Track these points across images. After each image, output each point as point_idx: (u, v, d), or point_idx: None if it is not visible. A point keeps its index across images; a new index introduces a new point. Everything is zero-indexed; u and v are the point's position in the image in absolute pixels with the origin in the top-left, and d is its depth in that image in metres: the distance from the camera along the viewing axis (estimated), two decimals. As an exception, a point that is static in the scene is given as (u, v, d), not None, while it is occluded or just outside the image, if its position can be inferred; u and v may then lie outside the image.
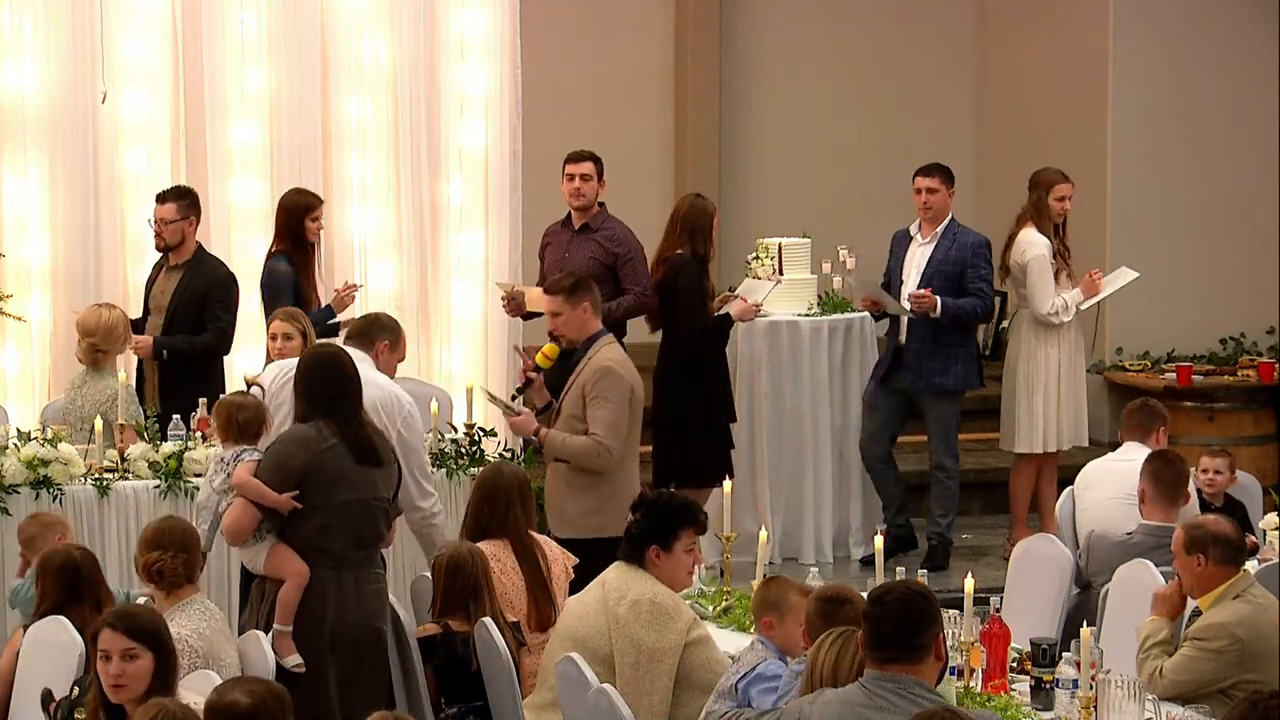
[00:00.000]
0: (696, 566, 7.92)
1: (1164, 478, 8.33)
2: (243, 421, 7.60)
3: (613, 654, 6.67)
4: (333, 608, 7.23)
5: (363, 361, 8.09)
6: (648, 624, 6.65)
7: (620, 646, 6.65)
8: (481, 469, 8.00)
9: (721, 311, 10.44)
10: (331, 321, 10.03)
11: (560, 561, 7.71)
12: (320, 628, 7.18)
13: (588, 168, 10.44)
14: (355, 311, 10.73)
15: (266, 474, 7.25)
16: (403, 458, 7.83)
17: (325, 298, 10.25)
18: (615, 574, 6.87)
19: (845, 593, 6.26)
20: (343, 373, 7.43)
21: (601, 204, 10.54)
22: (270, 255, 10.18)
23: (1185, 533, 7.02)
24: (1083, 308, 11.01)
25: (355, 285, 10.35)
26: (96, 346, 9.25)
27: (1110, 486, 8.88)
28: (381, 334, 8.38)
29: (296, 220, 10.12)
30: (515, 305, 10.49)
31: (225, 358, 10.11)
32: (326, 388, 7.35)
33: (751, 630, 7.48)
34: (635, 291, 10.31)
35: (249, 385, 8.15)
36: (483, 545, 7.58)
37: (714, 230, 10.49)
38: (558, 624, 7.03)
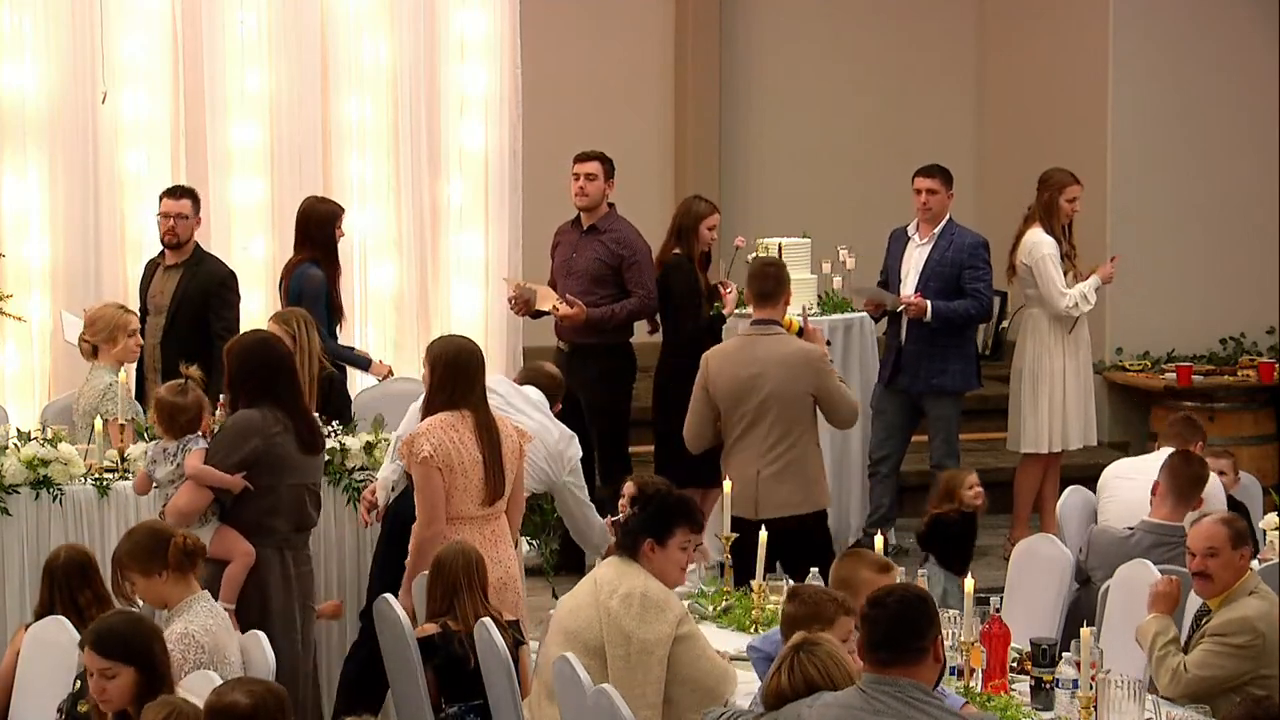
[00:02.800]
0: (699, 565, 7.97)
1: (1180, 475, 8.26)
2: (184, 423, 7.72)
3: (604, 647, 6.68)
4: (275, 586, 7.51)
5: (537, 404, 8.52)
6: (638, 617, 6.66)
7: (611, 639, 6.66)
8: (435, 341, 8.04)
9: (714, 311, 10.47)
10: (357, 365, 10.13)
11: (514, 437, 7.84)
12: (266, 605, 7.45)
13: (592, 167, 10.44)
14: (354, 313, 10.76)
15: (219, 458, 7.50)
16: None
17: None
18: (607, 568, 6.89)
19: (798, 589, 6.38)
20: (275, 358, 7.67)
21: (611, 205, 10.52)
22: (297, 263, 10.11)
23: (1229, 528, 6.99)
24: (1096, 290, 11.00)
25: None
26: (84, 337, 9.31)
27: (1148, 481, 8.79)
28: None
29: (328, 229, 10.09)
30: (524, 304, 10.48)
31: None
32: (264, 376, 7.57)
33: (751, 630, 7.52)
34: (639, 294, 10.32)
35: (186, 377, 8.14)
36: (440, 417, 7.68)
37: (706, 229, 10.49)
38: (552, 619, 7.03)
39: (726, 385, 8.80)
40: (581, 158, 10.50)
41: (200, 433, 7.72)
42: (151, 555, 6.64)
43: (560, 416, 10.48)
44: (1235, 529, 7.02)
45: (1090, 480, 9.47)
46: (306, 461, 7.61)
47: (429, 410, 7.79)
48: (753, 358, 8.78)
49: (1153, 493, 8.40)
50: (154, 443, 7.95)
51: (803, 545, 8.41)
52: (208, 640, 6.51)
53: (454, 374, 7.75)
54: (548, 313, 10.53)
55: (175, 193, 10.04)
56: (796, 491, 8.72)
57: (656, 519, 6.88)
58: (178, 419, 7.69)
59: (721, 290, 10.60)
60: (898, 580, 6.77)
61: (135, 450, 8.77)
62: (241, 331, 9.83)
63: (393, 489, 8.11)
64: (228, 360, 7.66)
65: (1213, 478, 8.83)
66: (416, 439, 7.65)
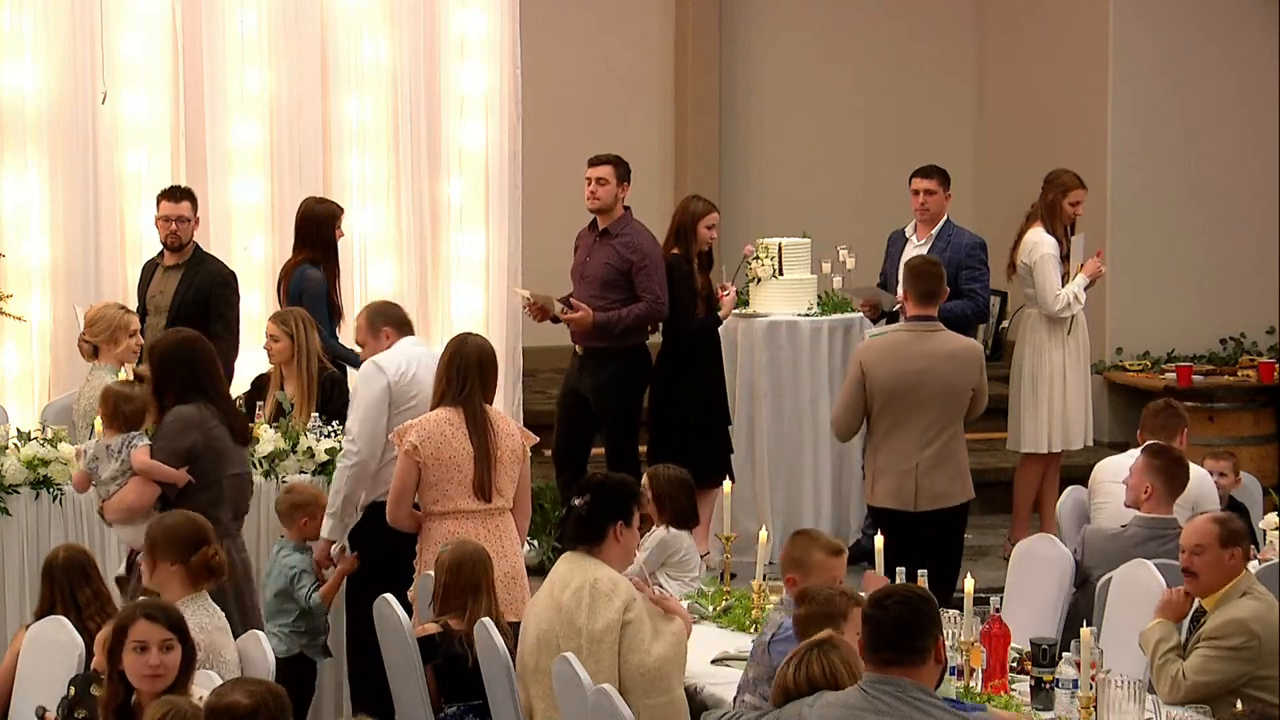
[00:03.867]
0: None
1: (1164, 470, 8.26)
2: (129, 412, 7.86)
3: (559, 642, 6.73)
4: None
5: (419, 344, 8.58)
6: (588, 608, 6.74)
7: (565, 634, 6.73)
8: (451, 339, 8.17)
9: (712, 314, 10.48)
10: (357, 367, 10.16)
11: (516, 437, 7.96)
12: (224, 594, 7.45)
13: (604, 171, 10.36)
14: (354, 313, 10.73)
15: (164, 454, 7.67)
16: None
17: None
18: (562, 565, 6.96)
19: (806, 591, 6.40)
20: (199, 355, 7.81)
21: (627, 208, 10.46)
22: (297, 264, 10.09)
23: (1221, 527, 6.95)
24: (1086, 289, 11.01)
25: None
26: (84, 338, 9.32)
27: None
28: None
29: (328, 230, 10.09)
30: (540, 310, 10.44)
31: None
32: (190, 373, 7.73)
33: (751, 630, 7.52)
34: (648, 299, 10.28)
35: (138, 377, 8.23)
36: (438, 412, 7.84)
37: (704, 229, 10.48)
38: (524, 623, 7.07)
39: (887, 379, 8.92)
40: (594, 161, 10.41)
41: (143, 430, 7.82)
42: (181, 546, 6.73)
43: (568, 417, 10.55)
44: (1227, 528, 6.97)
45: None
46: (239, 451, 7.84)
47: (435, 402, 7.96)
48: (919, 353, 8.94)
49: (1147, 495, 8.34)
50: (93, 441, 8.00)
51: (954, 535, 8.92)
52: (204, 639, 6.52)
53: (452, 371, 7.91)
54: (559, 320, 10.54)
55: (174, 195, 10.03)
56: (955, 482, 8.98)
57: (618, 502, 6.98)
58: (122, 408, 7.82)
59: (720, 293, 10.58)
60: (845, 562, 6.88)
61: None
62: (231, 334, 9.92)
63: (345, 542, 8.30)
64: (152, 360, 7.82)
65: (1205, 478, 8.84)
66: (409, 429, 7.88)
